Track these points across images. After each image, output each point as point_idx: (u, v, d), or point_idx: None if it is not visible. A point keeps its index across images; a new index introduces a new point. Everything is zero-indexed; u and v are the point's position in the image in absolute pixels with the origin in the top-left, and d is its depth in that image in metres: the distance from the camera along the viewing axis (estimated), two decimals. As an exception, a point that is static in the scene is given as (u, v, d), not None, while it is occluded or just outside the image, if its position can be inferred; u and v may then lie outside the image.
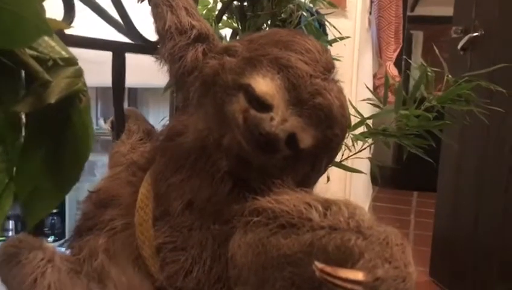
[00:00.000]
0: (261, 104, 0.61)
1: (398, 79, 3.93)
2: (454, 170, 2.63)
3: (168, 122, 0.80)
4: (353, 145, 1.18)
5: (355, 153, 1.17)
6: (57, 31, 0.68)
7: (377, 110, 1.24)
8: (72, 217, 3.02)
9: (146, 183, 0.71)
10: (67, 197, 4.28)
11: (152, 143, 0.81)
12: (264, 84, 0.62)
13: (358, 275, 0.47)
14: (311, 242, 0.53)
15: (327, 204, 0.56)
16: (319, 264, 0.48)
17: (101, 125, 2.88)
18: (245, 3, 1.28)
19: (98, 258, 0.67)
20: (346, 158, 1.17)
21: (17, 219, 2.98)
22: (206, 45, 0.81)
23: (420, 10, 7.04)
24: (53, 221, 4.16)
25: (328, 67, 0.65)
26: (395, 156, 4.55)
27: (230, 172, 0.65)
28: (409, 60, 5.06)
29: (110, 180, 0.77)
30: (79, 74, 0.60)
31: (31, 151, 0.59)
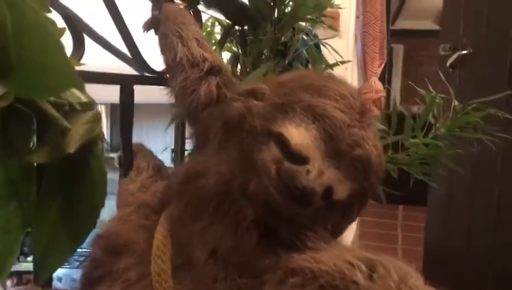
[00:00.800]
0: (296, 156, 0.58)
1: (382, 94, 3.96)
2: (445, 183, 2.63)
3: (180, 159, 0.76)
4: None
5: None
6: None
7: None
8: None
9: (162, 228, 0.67)
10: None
11: (165, 183, 0.77)
12: (298, 135, 0.58)
13: None
14: None
15: (371, 263, 0.52)
16: None
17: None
18: (245, 27, 1.25)
19: None
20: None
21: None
22: (219, 78, 0.78)
23: (400, 24, 7.15)
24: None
25: (363, 112, 0.62)
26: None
27: (257, 220, 0.61)
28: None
29: (120, 222, 0.72)
30: (97, 118, 0.57)
31: (47, 203, 0.55)
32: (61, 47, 0.42)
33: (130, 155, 0.82)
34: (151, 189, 0.77)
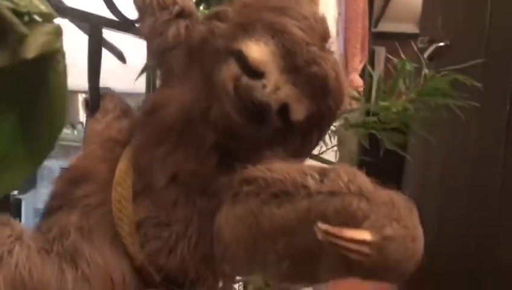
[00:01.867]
0: (254, 71, 0.58)
1: (361, 89, 4.00)
2: (419, 170, 2.66)
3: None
4: (330, 139, 1.17)
5: (331, 147, 1.16)
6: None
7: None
8: (28, 225, 2.88)
9: (125, 158, 0.66)
10: (23, 205, 4.13)
11: (131, 119, 0.76)
12: (257, 50, 0.58)
13: (365, 235, 0.45)
14: (307, 209, 0.50)
15: (324, 171, 0.53)
16: (322, 226, 0.45)
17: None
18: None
19: (70, 237, 0.62)
20: (324, 151, 1.16)
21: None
22: (189, 21, 0.77)
23: (383, 26, 7.22)
24: (8, 229, 3.99)
25: (324, 37, 0.62)
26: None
27: (217, 145, 0.61)
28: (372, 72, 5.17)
29: (84, 157, 0.72)
30: (58, 31, 0.56)
31: (3, 112, 0.54)
32: None
33: (97, 97, 0.81)
34: (117, 126, 0.77)
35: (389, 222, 0.45)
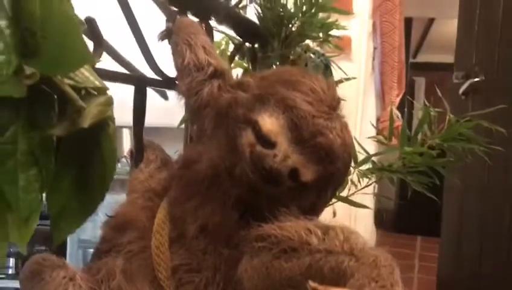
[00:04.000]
0: (266, 141, 0.67)
1: (399, 123, 3.99)
2: (457, 213, 2.64)
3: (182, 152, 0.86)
4: (359, 181, 1.22)
5: (361, 189, 1.21)
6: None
7: (382, 149, 1.29)
8: (73, 256, 3.02)
9: (162, 209, 0.75)
10: (68, 237, 4.28)
11: (169, 171, 0.86)
12: (269, 123, 0.68)
13: None
14: (309, 265, 0.58)
15: (326, 229, 0.61)
16: (312, 284, 0.53)
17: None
18: (256, 46, 1.35)
19: (116, 279, 0.71)
20: (352, 194, 1.21)
21: (18, 256, 2.99)
22: (221, 81, 0.86)
23: (422, 57, 7.20)
24: (54, 258, 4.17)
25: (332, 105, 0.70)
26: (397, 200, 4.58)
27: (240, 199, 0.70)
28: (412, 101, 5.15)
29: (127, 205, 0.81)
30: (109, 102, 0.66)
31: (62, 173, 0.64)
32: (79, 30, 0.52)
33: (141, 149, 0.90)
34: (156, 177, 0.86)
35: (368, 281, 0.53)
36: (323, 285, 0.53)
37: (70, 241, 4.25)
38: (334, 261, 0.57)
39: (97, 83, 0.64)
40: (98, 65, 0.79)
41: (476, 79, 2.49)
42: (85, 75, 0.63)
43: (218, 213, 0.70)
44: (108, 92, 0.66)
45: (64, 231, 0.66)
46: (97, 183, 0.67)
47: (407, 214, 4.98)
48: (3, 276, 2.98)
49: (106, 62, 0.86)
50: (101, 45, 0.79)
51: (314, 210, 0.72)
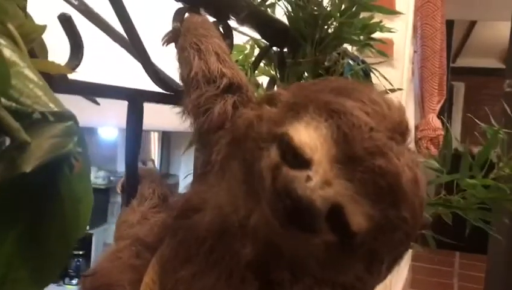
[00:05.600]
0: (298, 159, 0.45)
1: (440, 132, 3.74)
2: (508, 231, 2.38)
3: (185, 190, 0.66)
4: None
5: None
6: (59, 75, 0.56)
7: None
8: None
9: (152, 270, 0.56)
10: (93, 239, 4.22)
11: (166, 214, 0.66)
12: (304, 133, 0.46)
13: None
14: None
15: None
16: None
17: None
18: (285, 50, 1.15)
19: None
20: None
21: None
22: (237, 96, 0.67)
23: (462, 62, 6.91)
24: (78, 263, 4.08)
25: (400, 129, 0.49)
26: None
27: (254, 267, 0.48)
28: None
29: (109, 259, 0.62)
30: (71, 132, 0.46)
31: (1, 232, 0.45)
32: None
33: (135, 181, 0.72)
34: (151, 221, 0.67)
35: None
36: None
37: (95, 244, 4.18)
38: None
39: (52, 105, 0.45)
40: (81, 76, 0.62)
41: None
42: (35, 94, 0.45)
43: (223, 287, 0.50)
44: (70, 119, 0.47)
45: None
46: (55, 243, 0.48)
47: (445, 227, 4.70)
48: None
49: (92, 72, 0.67)
50: (80, 49, 0.61)
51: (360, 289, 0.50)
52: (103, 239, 4.14)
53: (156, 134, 4.63)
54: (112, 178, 4.03)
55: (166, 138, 4.79)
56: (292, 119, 0.49)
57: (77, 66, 0.61)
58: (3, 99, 0.42)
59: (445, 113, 4.62)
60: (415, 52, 3.58)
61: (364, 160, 0.45)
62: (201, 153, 0.67)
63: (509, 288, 2.33)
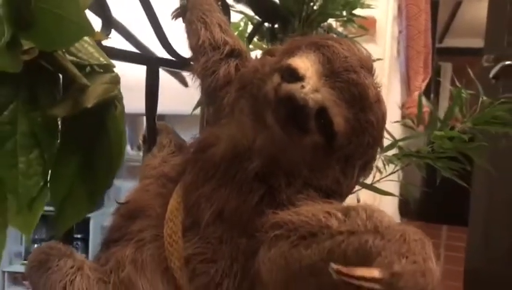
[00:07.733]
0: (295, 76, 0.61)
1: (426, 109, 3.88)
2: (485, 202, 2.55)
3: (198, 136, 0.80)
4: (384, 168, 1.16)
5: (386, 175, 1.15)
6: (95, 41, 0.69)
7: (408, 133, 1.22)
8: (95, 243, 3.03)
9: (176, 195, 0.70)
10: (91, 223, 4.31)
11: (183, 155, 0.81)
12: (298, 60, 0.63)
13: (374, 272, 0.46)
14: (330, 249, 0.52)
15: (347, 210, 0.54)
16: (334, 266, 0.46)
17: (127, 151, 2.92)
18: (276, 25, 1.29)
19: (125, 269, 0.66)
20: (377, 180, 1.15)
21: (42, 242, 3.00)
22: (239, 60, 0.81)
23: (449, 42, 7.00)
24: (77, 246, 4.17)
25: (367, 65, 0.64)
26: (423, 187, 4.47)
27: (259, 179, 0.64)
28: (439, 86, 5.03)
29: (139, 192, 0.77)
30: (116, 80, 0.61)
31: (66, 156, 0.59)
32: (77, 0, 0.47)
33: (154, 133, 0.86)
34: (170, 163, 0.81)
35: (397, 258, 0.46)
36: (346, 267, 0.47)
37: (93, 228, 4.28)
38: (357, 241, 0.50)
39: (102, 59, 0.59)
40: (108, 44, 0.75)
41: (508, 62, 2.38)
42: (89, 51, 0.59)
43: (235, 197, 0.64)
44: (115, 70, 0.61)
45: (70, 219, 0.62)
46: (104, 168, 0.63)
47: (432, 202, 4.87)
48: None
49: (116, 42, 0.81)
50: (110, 22, 0.75)
51: (338, 190, 0.66)
52: (100, 223, 4.25)
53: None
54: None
55: (160, 120, 4.89)
56: (289, 56, 0.65)
57: (109, 34, 0.75)
58: (68, 55, 0.56)
59: (431, 92, 4.76)
60: (400, 32, 3.71)
61: (342, 74, 0.61)
62: (212, 107, 0.82)
63: (487, 254, 2.50)
